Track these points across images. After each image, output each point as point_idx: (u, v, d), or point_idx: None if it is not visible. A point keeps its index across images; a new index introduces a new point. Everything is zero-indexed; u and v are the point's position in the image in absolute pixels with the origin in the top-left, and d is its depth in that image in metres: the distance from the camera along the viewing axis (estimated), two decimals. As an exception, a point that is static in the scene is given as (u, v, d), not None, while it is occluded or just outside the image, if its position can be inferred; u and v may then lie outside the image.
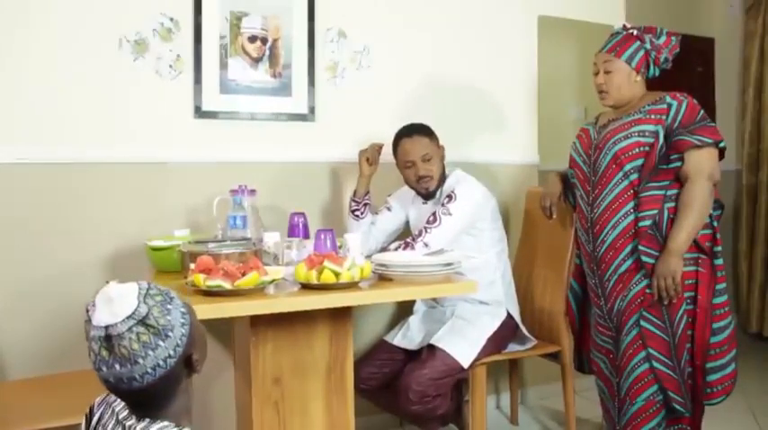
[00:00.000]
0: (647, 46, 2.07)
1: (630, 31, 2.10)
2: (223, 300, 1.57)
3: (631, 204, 2.04)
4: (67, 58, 2.18)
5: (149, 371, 0.97)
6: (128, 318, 0.97)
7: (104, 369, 0.98)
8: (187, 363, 1.05)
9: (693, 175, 1.97)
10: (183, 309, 1.04)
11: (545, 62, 3.01)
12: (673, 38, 2.10)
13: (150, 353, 0.97)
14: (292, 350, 1.83)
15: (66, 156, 2.18)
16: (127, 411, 1.06)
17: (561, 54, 3.17)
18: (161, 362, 0.98)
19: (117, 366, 0.97)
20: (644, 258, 2.02)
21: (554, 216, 2.32)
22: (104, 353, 0.97)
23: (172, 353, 0.99)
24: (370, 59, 2.64)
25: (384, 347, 2.40)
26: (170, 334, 0.99)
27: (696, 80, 4.04)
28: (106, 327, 0.96)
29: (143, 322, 0.97)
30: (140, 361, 0.97)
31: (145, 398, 1.02)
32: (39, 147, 2.15)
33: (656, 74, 2.13)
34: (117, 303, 0.97)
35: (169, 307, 1.02)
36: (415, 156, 2.28)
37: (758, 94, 4.00)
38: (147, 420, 1.02)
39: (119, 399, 1.09)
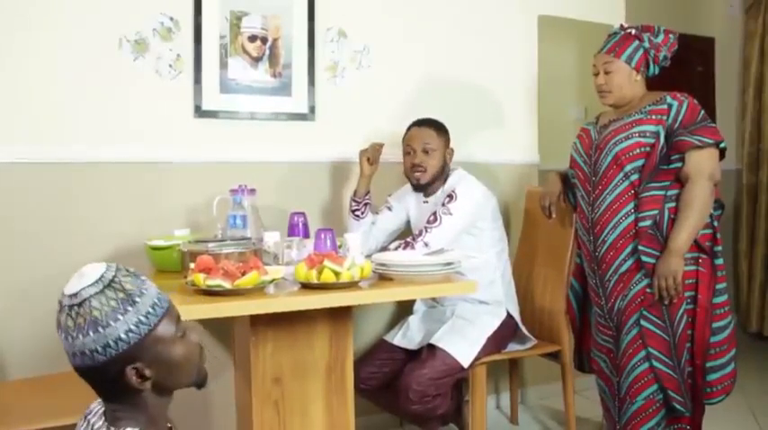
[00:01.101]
0: (646, 45, 2.07)
1: (628, 30, 2.10)
2: (223, 299, 1.56)
3: (632, 205, 2.03)
4: (67, 58, 2.18)
5: (77, 353, 0.99)
6: (70, 295, 0.99)
7: (58, 331, 1.02)
8: (139, 375, 1.01)
9: (694, 176, 1.97)
10: (143, 319, 1.00)
11: (545, 62, 3.00)
12: (671, 36, 2.10)
13: (80, 337, 0.98)
14: (292, 350, 1.82)
15: (66, 156, 2.18)
16: (101, 421, 1.05)
17: (561, 54, 3.17)
18: (87, 352, 0.98)
19: (61, 334, 1.01)
20: (644, 258, 2.02)
21: (553, 216, 2.32)
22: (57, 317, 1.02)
23: (99, 349, 0.98)
24: (370, 59, 2.64)
25: (384, 347, 2.39)
26: (100, 330, 0.97)
27: (696, 80, 4.04)
28: (62, 294, 1.01)
29: (79, 305, 0.98)
30: (70, 340, 0.99)
31: (93, 386, 1.04)
32: (39, 147, 2.15)
33: (656, 72, 2.13)
34: (84, 277, 1.00)
35: (128, 308, 0.99)
36: (415, 143, 2.31)
37: (758, 93, 4.00)
38: (113, 429, 1.02)
39: (93, 412, 1.09)
